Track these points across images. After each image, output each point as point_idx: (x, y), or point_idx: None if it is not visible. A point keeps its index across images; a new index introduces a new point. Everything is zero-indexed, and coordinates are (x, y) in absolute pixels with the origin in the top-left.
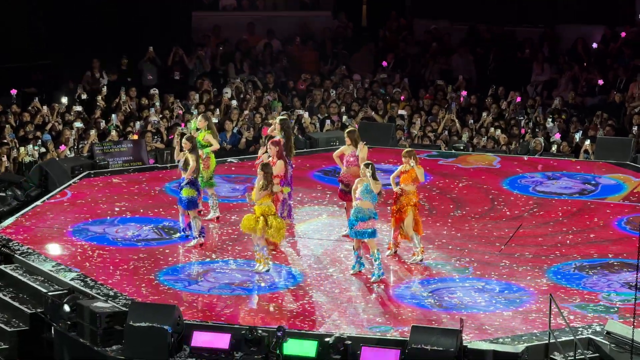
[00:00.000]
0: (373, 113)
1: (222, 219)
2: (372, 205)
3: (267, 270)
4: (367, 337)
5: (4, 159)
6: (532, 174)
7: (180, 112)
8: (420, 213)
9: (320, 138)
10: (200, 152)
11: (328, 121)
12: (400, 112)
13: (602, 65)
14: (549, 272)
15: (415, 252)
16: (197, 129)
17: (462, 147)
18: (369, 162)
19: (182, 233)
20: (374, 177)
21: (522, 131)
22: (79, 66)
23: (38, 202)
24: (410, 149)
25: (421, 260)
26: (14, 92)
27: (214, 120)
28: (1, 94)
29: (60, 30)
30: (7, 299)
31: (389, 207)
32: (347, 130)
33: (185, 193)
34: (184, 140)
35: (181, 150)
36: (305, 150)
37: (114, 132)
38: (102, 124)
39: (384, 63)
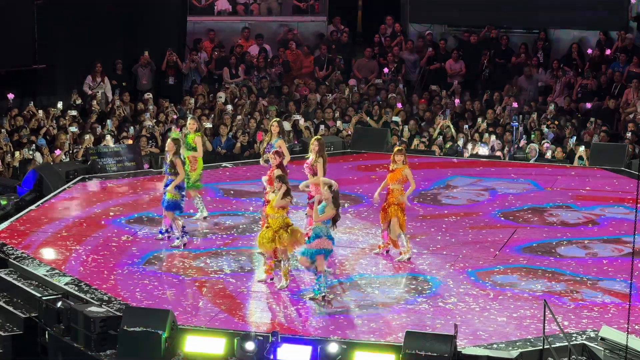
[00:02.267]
0: (368, 119)
1: (217, 223)
2: (326, 227)
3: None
4: (361, 342)
5: None
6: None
7: (175, 116)
8: (415, 218)
9: None
10: (189, 154)
11: (322, 126)
12: (395, 118)
13: (597, 70)
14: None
15: (402, 250)
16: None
17: (456, 151)
18: (332, 184)
19: (161, 235)
20: (334, 203)
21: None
22: (75, 70)
23: (32, 207)
24: (400, 148)
25: (408, 259)
26: (11, 96)
27: (208, 125)
28: None
29: (57, 34)
30: (1, 303)
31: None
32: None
33: (169, 196)
34: (168, 142)
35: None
36: (299, 155)
37: (108, 137)
38: (98, 129)
39: (386, 70)
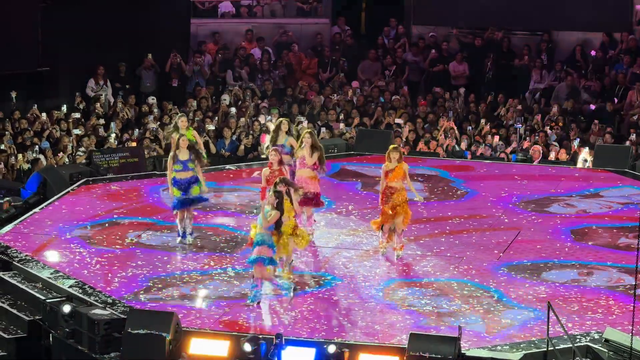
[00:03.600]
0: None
1: (219, 230)
2: (269, 232)
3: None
4: (366, 344)
5: (1, 166)
6: None
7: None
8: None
9: None
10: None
11: (323, 129)
12: (397, 120)
13: (600, 72)
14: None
15: (395, 247)
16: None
17: (460, 153)
18: (279, 191)
19: (182, 238)
20: (278, 207)
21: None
22: (79, 73)
23: (36, 209)
24: (395, 145)
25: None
26: (13, 94)
27: (212, 127)
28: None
29: (61, 37)
30: (5, 306)
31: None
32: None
33: (195, 191)
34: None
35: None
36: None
37: (112, 139)
38: (101, 130)
39: (387, 72)
